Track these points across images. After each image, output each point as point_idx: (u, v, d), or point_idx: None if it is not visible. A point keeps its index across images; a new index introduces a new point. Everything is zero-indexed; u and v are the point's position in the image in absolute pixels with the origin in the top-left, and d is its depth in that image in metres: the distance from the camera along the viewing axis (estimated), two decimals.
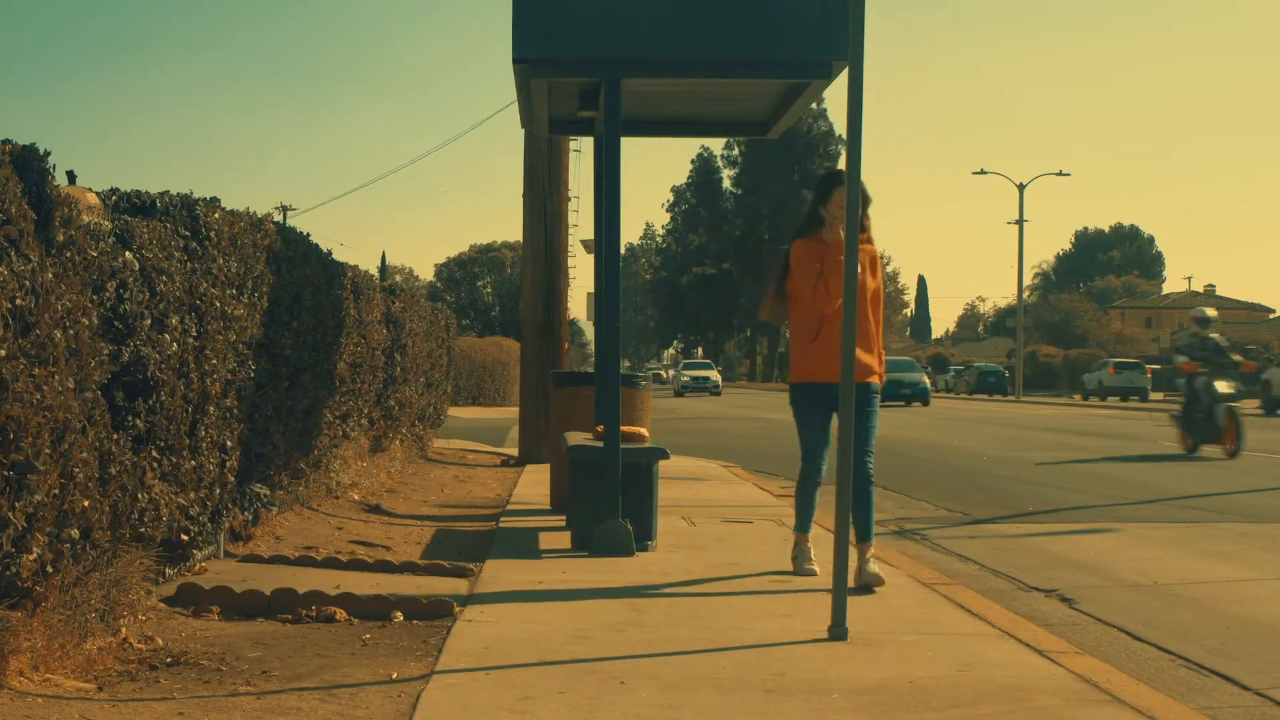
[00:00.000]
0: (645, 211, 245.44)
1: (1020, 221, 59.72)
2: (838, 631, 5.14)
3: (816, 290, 6.38)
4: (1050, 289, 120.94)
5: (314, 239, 8.08)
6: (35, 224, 4.08)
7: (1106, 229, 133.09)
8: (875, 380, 6.51)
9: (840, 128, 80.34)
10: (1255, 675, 5.11)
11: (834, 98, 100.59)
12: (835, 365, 5.98)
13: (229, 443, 6.21)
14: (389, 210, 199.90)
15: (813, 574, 6.52)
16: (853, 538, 6.03)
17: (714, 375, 60.14)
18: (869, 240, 6.55)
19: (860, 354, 6.29)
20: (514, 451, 16.09)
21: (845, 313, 5.36)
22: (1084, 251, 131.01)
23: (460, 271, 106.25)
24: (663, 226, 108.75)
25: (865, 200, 6.29)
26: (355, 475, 10.15)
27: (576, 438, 8.30)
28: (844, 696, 4.27)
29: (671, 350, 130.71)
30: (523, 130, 12.22)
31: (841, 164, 7.78)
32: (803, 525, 6.69)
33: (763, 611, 5.72)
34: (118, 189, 5.57)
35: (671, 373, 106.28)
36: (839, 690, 4.35)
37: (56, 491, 4.13)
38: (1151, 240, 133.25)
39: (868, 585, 6.20)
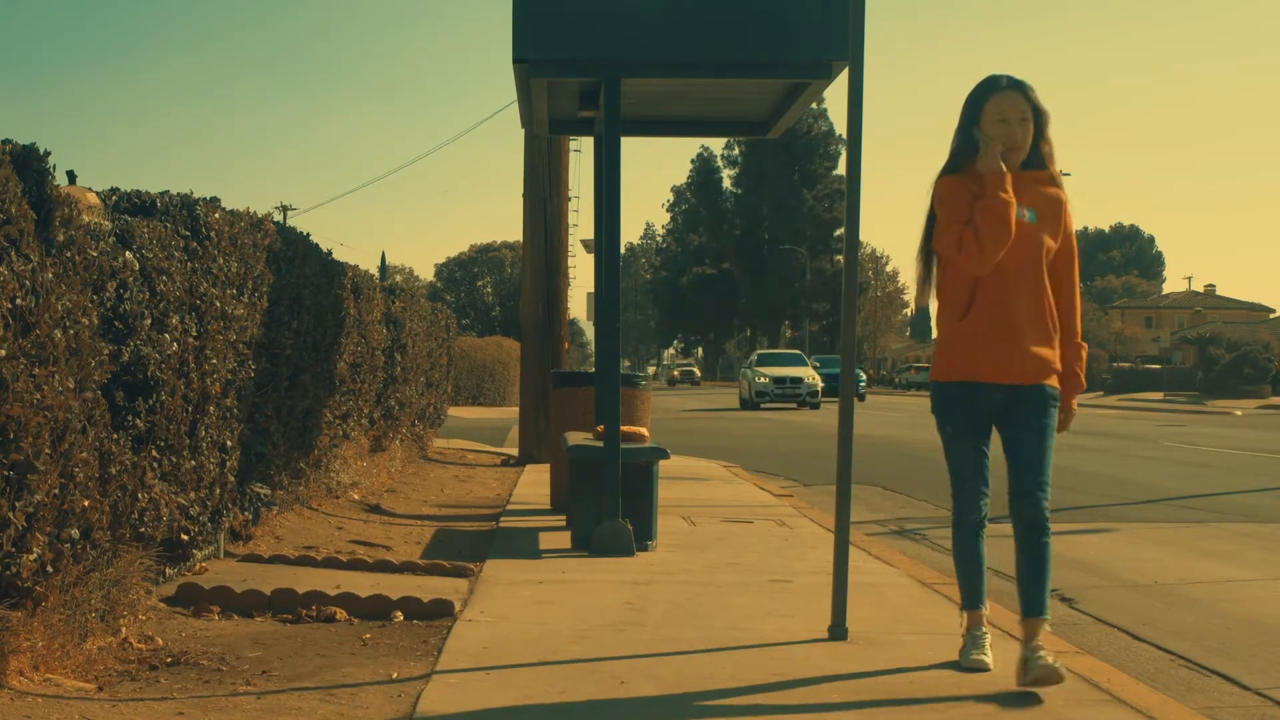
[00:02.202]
0: (645, 211, 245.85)
1: None
2: (838, 631, 5.14)
3: (964, 243, 4.44)
4: None
5: (314, 239, 8.10)
6: (35, 224, 4.08)
7: (1106, 229, 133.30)
8: (1053, 382, 4.59)
9: (840, 128, 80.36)
10: (1255, 675, 5.11)
11: (834, 98, 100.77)
12: (996, 356, 4.50)
13: (229, 442, 6.21)
14: (389, 210, 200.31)
15: (983, 668, 4.57)
16: (1018, 609, 4.63)
17: (810, 376, 38.06)
18: (1052, 180, 4.59)
19: (1029, 343, 4.52)
20: (514, 451, 16.09)
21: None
22: (1084, 251, 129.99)
23: (460, 271, 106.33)
24: (663, 226, 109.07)
25: (1043, 116, 4.55)
26: (355, 475, 10.15)
27: (576, 438, 8.30)
28: (844, 696, 4.27)
29: (671, 350, 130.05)
30: (523, 130, 12.24)
31: (842, 165, 7.53)
32: (970, 597, 4.66)
33: (763, 611, 5.72)
34: (118, 189, 5.57)
35: (697, 371, 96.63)
36: (839, 690, 4.35)
37: (56, 491, 4.13)
38: (1151, 240, 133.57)
39: (1038, 681, 4.28)
